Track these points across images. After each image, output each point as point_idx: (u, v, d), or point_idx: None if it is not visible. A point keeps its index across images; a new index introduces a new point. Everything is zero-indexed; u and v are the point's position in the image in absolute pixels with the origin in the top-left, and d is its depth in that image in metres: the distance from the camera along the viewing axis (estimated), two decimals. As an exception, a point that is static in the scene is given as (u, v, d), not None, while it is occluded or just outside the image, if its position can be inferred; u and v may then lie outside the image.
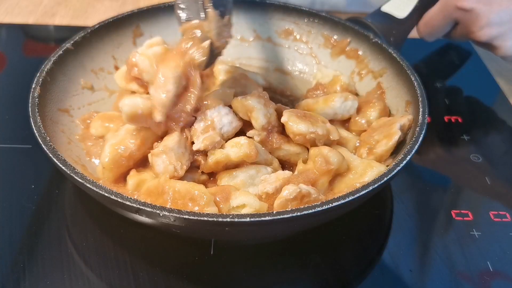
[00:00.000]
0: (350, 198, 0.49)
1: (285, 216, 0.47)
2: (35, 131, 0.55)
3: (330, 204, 0.48)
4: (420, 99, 0.63)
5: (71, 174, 0.51)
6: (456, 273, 0.58)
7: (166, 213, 0.47)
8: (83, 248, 0.58)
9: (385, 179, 0.52)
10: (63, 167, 0.51)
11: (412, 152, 0.56)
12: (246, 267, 0.58)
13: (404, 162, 0.54)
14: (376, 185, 0.51)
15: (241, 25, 0.82)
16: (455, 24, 0.78)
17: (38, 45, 0.94)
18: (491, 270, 0.58)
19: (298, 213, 0.47)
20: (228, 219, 0.47)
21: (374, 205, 0.65)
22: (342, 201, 0.49)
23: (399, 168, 0.53)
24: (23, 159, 0.68)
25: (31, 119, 0.57)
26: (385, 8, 0.80)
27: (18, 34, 0.95)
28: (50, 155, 0.53)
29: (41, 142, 0.54)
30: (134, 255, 0.58)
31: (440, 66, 0.93)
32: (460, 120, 0.80)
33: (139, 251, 0.58)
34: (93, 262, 0.57)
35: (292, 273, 0.57)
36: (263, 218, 0.47)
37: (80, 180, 0.50)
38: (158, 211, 0.47)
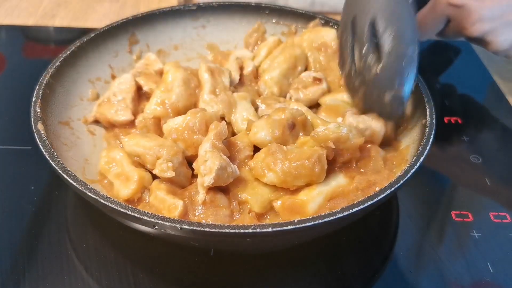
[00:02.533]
0: (369, 203, 0.49)
1: (307, 224, 0.47)
2: (42, 148, 0.54)
3: (351, 210, 0.48)
4: (426, 99, 0.63)
5: (88, 194, 0.50)
6: (456, 274, 0.58)
7: (186, 227, 0.46)
8: (83, 250, 0.58)
9: (402, 181, 0.52)
10: (75, 184, 0.50)
11: (425, 152, 0.56)
12: (247, 270, 0.58)
13: (421, 160, 0.55)
14: (396, 186, 0.51)
15: (237, 30, 0.82)
16: (448, 22, 0.78)
17: (38, 46, 0.94)
18: (491, 271, 0.58)
19: (320, 221, 0.47)
20: (250, 230, 0.46)
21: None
22: (362, 206, 0.49)
23: (416, 167, 0.54)
24: (23, 161, 0.68)
25: (35, 135, 0.56)
26: None
27: (18, 36, 0.95)
28: (60, 172, 0.52)
29: (49, 159, 0.53)
30: (134, 257, 0.58)
31: (439, 67, 0.93)
32: (459, 121, 0.80)
33: (139, 253, 0.58)
34: (92, 264, 0.57)
35: (292, 273, 0.57)
36: (285, 228, 0.46)
37: (94, 197, 0.49)
38: (178, 225, 0.46)
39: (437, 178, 0.71)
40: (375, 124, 0.61)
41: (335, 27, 0.78)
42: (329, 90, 0.71)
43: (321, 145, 0.56)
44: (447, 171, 0.72)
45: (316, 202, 0.54)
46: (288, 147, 0.56)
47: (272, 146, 0.56)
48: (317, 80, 0.71)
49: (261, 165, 0.56)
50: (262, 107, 0.67)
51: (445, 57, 0.96)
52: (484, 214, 0.65)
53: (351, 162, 0.58)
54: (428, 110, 0.62)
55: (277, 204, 0.55)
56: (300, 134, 0.60)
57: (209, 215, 0.54)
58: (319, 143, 0.56)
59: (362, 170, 0.58)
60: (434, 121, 0.60)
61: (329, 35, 0.76)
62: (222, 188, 0.56)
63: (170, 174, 0.55)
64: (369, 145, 0.60)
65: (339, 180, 0.57)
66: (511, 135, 0.79)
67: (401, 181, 0.52)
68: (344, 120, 0.62)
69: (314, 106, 0.70)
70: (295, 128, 0.59)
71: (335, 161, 0.58)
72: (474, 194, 0.69)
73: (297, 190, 0.56)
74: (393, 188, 0.51)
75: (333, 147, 0.55)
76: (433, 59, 0.96)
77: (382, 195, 0.50)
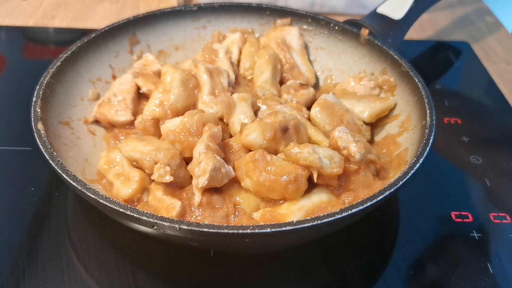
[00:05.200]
0: (369, 204, 0.49)
1: (306, 225, 0.47)
2: (42, 148, 0.54)
3: (350, 211, 0.48)
4: (426, 101, 0.63)
5: (87, 194, 0.50)
6: (456, 275, 0.58)
7: (185, 227, 0.46)
8: (83, 251, 0.58)
9: (401, 182, 0.52)
10: (75, 184, 0.50)
11: (425, 154, 0.56)
12: (247, 270, 0.58)
13: (420, 161, 0.55)
14: (395, 187, 0.51)
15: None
16: None
17: (37, 47, 0.94)
18: (491, 272, 0.58)
19: (319, 222, 0.47)
20: (249, 231, 0.46)
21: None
22: (361, 207, 0.49)
23: (416, 168, 0.54)
24: (23, 161, 0.68)
25: (35, 134, 0.56)
26: (381, 10, 0.80)
27: (17, 37, 0.95)
28: (60, 172, 0.52)
29: (48, 159, 0.53)
30: (134, 258, 0.58)
31: (439, 67, 0.94)
32: (459, 121, 0.80)
33: (139, 254, 0.58)
34: (92, 264, 0.57)
35: (293, 274, 0.57)
36: (283, 228, 0.46)
37: (95, 197, 0.49)
38: (176, 225, 0.46)
39: (437, 179, 0.71)
40: (353, 148, 0.57)
41: (336, 28, 0.78)
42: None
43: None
44: (447, 172, 0.72)
45: (296, 217, 0.53)
46: (273, 158, 0.56)
47: (258, 152, 0.55)
48: (303, 85, 0.72)
49: (242, 168, 0.56)
50: (263, 108, 0.67)
51: (445, 58, 0.96)
52: (484, 215, 0.65)
53: (332, 184, 0.57)
54: (428, 111, 0.62)
55: (257, 215, 0.55)
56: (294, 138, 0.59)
57: (207, 216, 0.54)
58: (292, 162, 0.55)
59: (351, 186, 0.57)
60: (434, 122, 0.60)
61: (291, 33, 0.77)
62: (219, 189, 0.56)
63: (169, 178, 0.55)
64: (352, 165, 0.57)
65: (322, 197, 0.56)
66: (511, 135, 0.79)
67: (401, 182, 0.52)
68: (332, 138, 0.59)
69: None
70: (287, 131, 0.58)
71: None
72: (474, 194, 0.69)
73: (283, 200, 0.56)
74: (392, 189, 0.51)
75: (311, 171, 0.55)
76: (433, 60, 0.96)
77: (382, 196, 0.50)
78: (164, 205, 0.54)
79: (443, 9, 1.09)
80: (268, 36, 0.79)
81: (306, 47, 0.80)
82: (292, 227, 0.46)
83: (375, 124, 0.70)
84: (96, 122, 0.68)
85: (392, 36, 0.78)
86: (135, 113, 0.68)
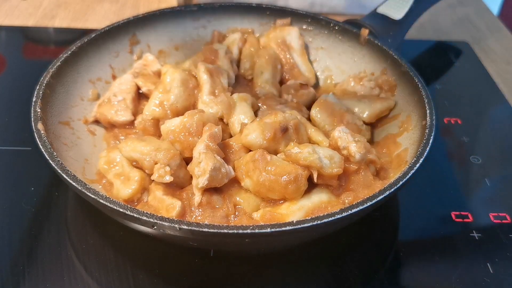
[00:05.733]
0: (369, 204, 0.49)
1: (306, 225, 0.47)
2: (42, 148, 0.54)
3: (350, 211, 0.48)
4: (426, 101, 0.63)
5: (87, 194, 0.50)
6: (456, 275, 0.58)
7: (185, 227, 0.46)
8: (83, 250, 0.58)
9: (401, 183, 0.52)
10: (75, 184, 0.50)
11: (425, 154, 0.56)
12: (247, 270, 0.57)
13: (420, 161, 0.55)
14: (395, 187, 0.51)
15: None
16: None
17: (37, 47, 0.94)
18: (491, 271, 0.58)
19: (318, 222, 0.47)
20: (249, 231, 0.46)
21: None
22: (361, 207, 0.49)
23: (416, 168, 0.54)
24: (23, 161, 0.68)
25: (35, 134, 0.56)
26: (381, 10, 0.80)
27: (17, 37, 0.95)
28: (60, 172, 0.52)
29: (48, 159, 0.53)
30: (134, 257, 0.58)
31: (439, 67, 0.94)
32: (459, 121, 0.80)
33: (139, 253, 0.58)
34: (92, 264, 0.57)
35: (292, 274, 0.57)
36: (283, 228, 0.46)
37: (96, 198, 0.49)
38: (176, 225, 0.46)
39: (437, 178, 0.70)
40: (353, 148, 0.57)
41: (336, 28, 0.78)
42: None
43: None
44: (447, 172, 0.72)
45: (296, 217, 0.53)
46: (273, 158, 0.55)
47: (258, 152, 0.55)
48: (303, 85, 0.73)
49: (242, 168, 0.56)
50: (263, 108, 0.67)
51: (445, 58, 0.96)
52: (484, 215, 0.65)
53: (332, 184, 0.57)
54: (428, 111, 0.62)
55: (257, 215, 0.55)
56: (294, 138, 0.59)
57: (207, 216, 0.54)
58: (292, 162, 0.55)
59: (351, 186, 0.57)
60: (434, 122, 0.60)
61: (291, 33, 0.77)
62: (219, 189, 0.56)
63: (169, 178, 0.55)
64: (352, 165, 0.57)
65: (322, 197, 0.56)
66: (511, 135, 0.79)
67: (401, 182, 0.52)
68: (332, 138, 0.59)
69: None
70: (287, 131, 0.58)
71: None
72: (474, 194, 0.69)
73: (283, 200, 0.56)
74: (392, 189, 0.51)
75: (311, 171, 0.55)
76: (433, 60, 0.96)
77: (382, 196, 0.50)
78: (164, 205, 0.54)
79: (443, 9, 1.09)
80: (268, 36, 0.79)
81: (306, 47, 0.80)
82: (292, 227, 0.46)
83: (375, 124, 0.70)
84: (96, 122, 0.68)
85: (392, 36, 0.78)
86: (135, 113, 0.68)
